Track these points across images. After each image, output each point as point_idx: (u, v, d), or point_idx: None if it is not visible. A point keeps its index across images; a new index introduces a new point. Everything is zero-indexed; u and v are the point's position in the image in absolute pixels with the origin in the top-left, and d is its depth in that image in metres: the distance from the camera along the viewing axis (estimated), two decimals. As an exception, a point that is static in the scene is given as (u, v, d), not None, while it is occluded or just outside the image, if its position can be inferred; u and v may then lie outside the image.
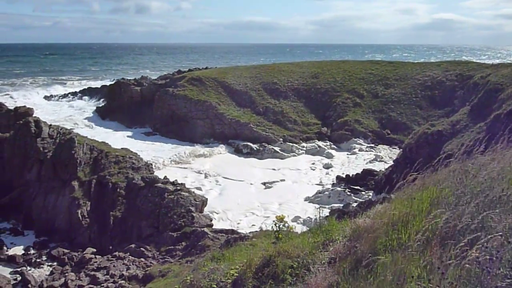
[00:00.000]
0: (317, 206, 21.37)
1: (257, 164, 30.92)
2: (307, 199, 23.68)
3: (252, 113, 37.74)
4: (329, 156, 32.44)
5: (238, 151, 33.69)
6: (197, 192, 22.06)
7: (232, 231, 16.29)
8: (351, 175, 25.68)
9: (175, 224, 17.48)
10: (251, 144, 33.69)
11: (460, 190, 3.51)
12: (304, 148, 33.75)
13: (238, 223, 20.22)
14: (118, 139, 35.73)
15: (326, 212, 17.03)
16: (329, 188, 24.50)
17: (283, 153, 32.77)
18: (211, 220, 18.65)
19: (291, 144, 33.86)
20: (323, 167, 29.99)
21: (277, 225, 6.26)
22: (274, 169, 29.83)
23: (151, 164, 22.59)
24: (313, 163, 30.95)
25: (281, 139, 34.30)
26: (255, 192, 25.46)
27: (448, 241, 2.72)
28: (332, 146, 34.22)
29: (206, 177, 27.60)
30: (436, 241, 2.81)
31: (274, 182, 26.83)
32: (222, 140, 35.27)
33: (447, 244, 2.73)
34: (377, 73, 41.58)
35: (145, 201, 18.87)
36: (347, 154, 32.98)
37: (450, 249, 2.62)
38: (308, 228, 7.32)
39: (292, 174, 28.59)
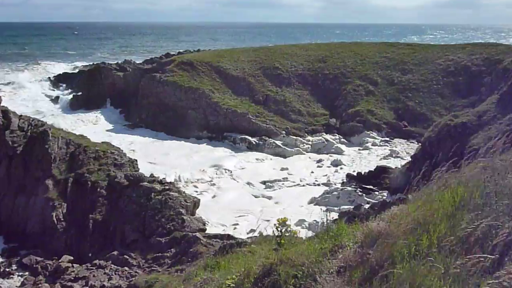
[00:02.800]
0: (324, 208, 21.39)
1: (244, 158, 30.91)
2: (313, 200, 23.73)
3: (250, 102, 37.69)
4: (338, 151, 32.45)
5: (235, 146, 33.71)
6: (189, 192, 22.09)
7: (228, 236, 16.33)
8: (363, 173, 25.72)
9: (163, 228, 17.52)
10: (249, 138, 33.68)
11: (489, 191, 3.49)
12: (310, 142, 33.74)
13: (235, 228, 20.27)
14: (98, 132, 35.70)
15: (334, 215, 17.04)
16: (338, 188, 24.54)
17: (286, 148, 32.77)
18: (204, 224, 18.68)
19: (294, 137, 33.85)
20: (331, 164, 30.02)
21: (278, 229, 6.24)
22: (275, 166, 29.85)
23: (136, 160, 22.57)
24: (319, 160, 30.97)
25: (283, 132, 34.30)
26: (254, 192, 25.49)
27: (476, 250, 2.70)
28: (342, 140, 34.23)
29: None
30: (461, 249, 2.79)
31: (275, 181, 26.87)
32: (216, 133, 35.28)
33: (474, 252, 2.71)
34: (393, 56, 41.48)
35: (129, 202, 18.89)
36: (359, 149, 32.98)
37: (479, 258, 2.60)
38: (314, 233, 7.32)
39: (296, 171, 28.61)
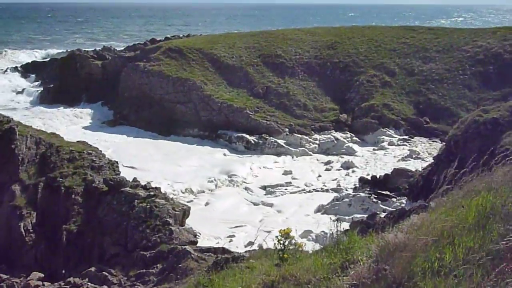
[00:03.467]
0: (334, 217, 21.43)
1: (255, 162, 30.96)
2: (321, 208, 23.77)
3: (248, 96, 37.71)
4: (350, 151, 32.48)
5: (230, 146, 33.72)
6: (178, 199, 22.09)
7: (223, 250, 16.32)
8: (378, 177, 25.75)
9: (148, 241, 17.51)
10: (247, 136, 33.71)
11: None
12: (317, 142, 33.77)
13: (231, 240, 20.31)
14: (72, 130, 35.69)
15: (345, 225, 17.08)
16: (349, 194, 24.58)
17: (290, 148, 32.81)
18: (195, 236, 18.69)
19: (299, 136, 33.90)
20: (342, 166, 30.06)
21: (281, 241, 6.26)
22: (277, 169, 29.86)
23: (116, 162, 22.56)
24: (328, 161, 30.99)
25: (286, 130, 34.35)
26: (253, 199, 25.50)
27: (509, 265, 2.69)
28: (354, 138, 34.27)
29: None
30: (492, 265, 2.78)
31: (277, 186, 26.90)
32: (209, 131, 35.27)
33: (507, 268, 2.71)
34: (412, 42, 41.51)
35: (108, 211, 18.88)
36: (373, 149, 33.01)
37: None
38: (322, 246, 7.31)
39: (301, 175, 28.63)
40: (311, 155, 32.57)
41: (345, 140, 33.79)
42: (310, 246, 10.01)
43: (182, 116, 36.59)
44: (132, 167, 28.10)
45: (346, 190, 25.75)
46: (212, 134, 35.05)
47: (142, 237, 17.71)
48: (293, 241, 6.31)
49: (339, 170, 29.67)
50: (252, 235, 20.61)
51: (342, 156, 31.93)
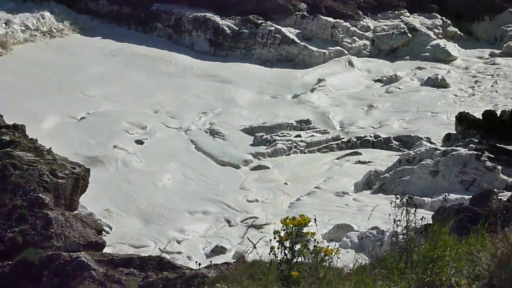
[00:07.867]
0: (399, 197, 21.90)
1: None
2: (372, 179, 24.14)
3: None
4: (443, 57, 32.90)
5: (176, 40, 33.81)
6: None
7: (160, 262, 16.65)
8: (499, 114, 26.07)
9: (-2, 239, 17.79)
10: (217, 19, 33.72)
11: None
12: (370, 34, 34.07)
13: (177, 241, 20.66)
14: None
15: (424, 213, 17.44)
16: (434, 150, 24.86)
17: (308, 46, 33.03)
18: (100, 232, 18.99)
19: (332, 20, 33.99)
20: (426, 83, 30.37)
21: (286, 245, 6.41)
22: (271, 91, 30.17)
23: None
24: (392, 79, 31.34)
25: (303, 6, 34.36)
26: (220, 152, 26.05)
27: None
28: (458, 33, 34.92)
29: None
30: None
31: (274, 128, 27.31)
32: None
33: None
34: None
35: None
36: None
37: None
38: (372, 257, 7.52)
39: (332, 106, 29.07)
40: (353, 66, 32.85)
41: (431, 33, 34.04)
42: (348, 257, 10.17)
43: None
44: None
45: (428, 143, 26.05)
46: (142, 12, 35.15)
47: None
48: (313, 245, 6.45)
49: (411, 92, 30.07)
50: (222, 231, 21.07)
51: (425, 66, 32.47)
